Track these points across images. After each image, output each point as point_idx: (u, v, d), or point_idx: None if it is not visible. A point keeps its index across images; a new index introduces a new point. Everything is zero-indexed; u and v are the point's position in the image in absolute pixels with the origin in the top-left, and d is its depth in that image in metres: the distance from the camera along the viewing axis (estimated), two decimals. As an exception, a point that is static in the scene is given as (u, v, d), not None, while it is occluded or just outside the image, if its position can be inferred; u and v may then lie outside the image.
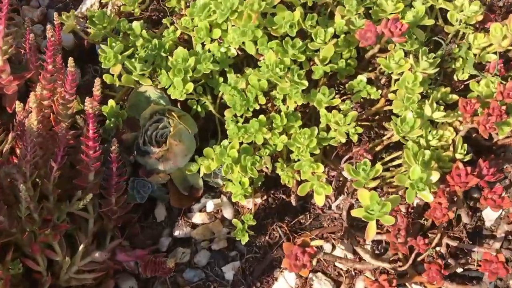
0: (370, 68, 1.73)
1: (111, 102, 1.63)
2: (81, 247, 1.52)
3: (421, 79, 1.46)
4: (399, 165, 1.65)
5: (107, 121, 1.62)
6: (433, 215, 1.45)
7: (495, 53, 1.67)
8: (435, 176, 1.40)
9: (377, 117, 1.80)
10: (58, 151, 1.37)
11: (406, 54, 1.56)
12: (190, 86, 1.53)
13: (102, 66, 1.50)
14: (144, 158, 1.58)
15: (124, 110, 1.65)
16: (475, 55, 1.69)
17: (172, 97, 1.54)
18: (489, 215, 1.73)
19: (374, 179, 1.41)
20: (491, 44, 1.66)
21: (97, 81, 1.42)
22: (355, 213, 1.37)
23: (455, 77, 1.70)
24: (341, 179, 1.78)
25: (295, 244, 1.46)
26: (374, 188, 1.55)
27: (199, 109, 1.67)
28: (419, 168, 1.39)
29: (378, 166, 1.40)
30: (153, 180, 1.60)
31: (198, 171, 1.61)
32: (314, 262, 1.72)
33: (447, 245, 1.69)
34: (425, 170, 1.42)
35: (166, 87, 1.56)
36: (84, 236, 1.56)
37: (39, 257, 1.48)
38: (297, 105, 1.68)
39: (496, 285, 1.65)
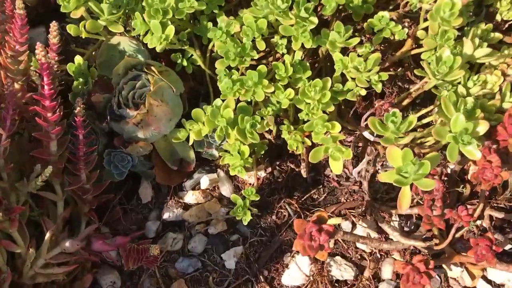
0: (391, 7, 1.43)
1: (78, 59, 1.34)
2: (47, 236, 1.25)
3: (460, 6, 1.16)
4: (429, 125, 1.36)
5: (74, 82, 1.34)
6: (481, 177, 1.15)
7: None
8: (482, 127, 1.11)
9: (400, 68, 1.50)
10: (6, 114, 1.08)
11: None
12: (171, 31, 1.23)
13: (61, 10, 1.21)
14: (119, 124, 1.29)
15: (94, 68, 1.36)
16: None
17: (150, 46, 1.25)
18: (540, 180, 1.43)
19: (406, 133, 1.12)
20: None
21: (54, 25, 1.13)
22: (383, 177, 1.08)
23: (498, 16, 1.40)
24: (360, 144, 1.49)
25: (309, 221, 1.18)
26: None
27: (184, 63, 1.37)
28: (462, 116, 1.09)
29: (412, 117, 1.11)
30: (132, 151, 1.31)
31: (188, 139, 1.32)
32: (332, 244, 1.44)
33: (491, 217, 1.41)
34: (469, 120, 1.12)
35: (141, 34, 1.26)
36: (51, 222, 1.28)
37: (-5, 250, 1.21)
38: (304, 54, 1.39)
39: (553, 263, 1.36)
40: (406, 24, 1.46)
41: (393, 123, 1.10)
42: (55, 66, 1.15)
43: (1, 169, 1.16)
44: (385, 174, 1.08)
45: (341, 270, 1.40)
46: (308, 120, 1.30)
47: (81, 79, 1.33)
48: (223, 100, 1.27)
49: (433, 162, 1.07)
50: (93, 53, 1.42)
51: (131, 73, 1.30)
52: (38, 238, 1.30)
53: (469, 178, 1.48)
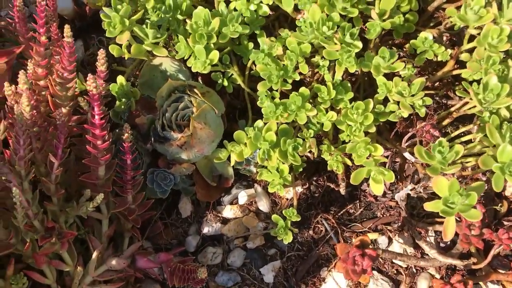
0: (431, 24, 1.42)
1: (120, 79, 1.35)
2: (94, 254, 1.28)
3: (508, 32, 1.14)
4: (469, 141, 1.36)
5: (117, 102, 1.35)
6: (525, 206, 1.16)
7: None
8: (529, 157, 1.11)
9: (438, 83, 1.49)
10: (58, 144, 1.10)
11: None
12: (215, 55, 1.24)
13: (107, 35, 1.21)
14: (163, 145, 1.31)
15: (137, 87, 1.37)
16: None
17: (193, 70, 1.26)
18: None
19: (453, 163, 1.12)
20: None
21: (102, 53, 1.14)
22: (429, 207, 1.09)
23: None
24: (397, 159, 1.50)
25: (352, 245, 1.20)
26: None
27: (225, 83, 1.38)
28: (510, 146, 1.09)
29: (459, 147, 1.11)
30: (176, 171, 1.33)
31: (228, 158, 1.34)
32: (368, 258, 1.47)
33: (527, 235, 1.41)
34: (515, 149, 1.12)
35: (185, 58, 1.27)
36: (98, 240, 1.31)
37: (46, 269, 1.25)
38: (344, 71, 1.39)
39: None
40: (445, 38, 1.44)
41: (440, 153, 1.10)
42: (103, 92, 1.17)
43: (53, 193, 1.18)
44: (431, 204, 1.09)
45: (378, 285, 1.42)
46: (349, 141, 1.31)
47: (123, 99, 1.34)
48: (265, 123, 1.28)
49: (479, 192, 1.08)
50: (133, 71, 1.43)
51: (174, 95, 1.31)
52: (84, 255, 1.33)
53: (505, 194, 1.49)
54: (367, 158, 1.27)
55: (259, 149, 1.27)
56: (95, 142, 1.14)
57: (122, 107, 1.35)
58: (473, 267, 1.36)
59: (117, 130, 1.36)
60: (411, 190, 1.31)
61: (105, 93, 1.25)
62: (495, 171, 1.11)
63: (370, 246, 1.21)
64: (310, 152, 1.36)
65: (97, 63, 1.16)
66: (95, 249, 1.28)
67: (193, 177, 1.42)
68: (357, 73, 1.44)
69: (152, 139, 1.32)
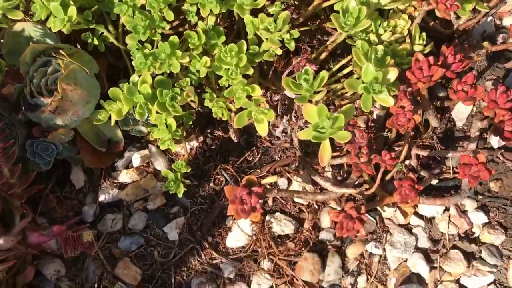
0: (300, -41, 1.42)
1: (-19, 51, 1.27)
2: (-21, 236, 1.22)
3: (358, -44, 1.16)
4: (351, 73, 1.39)
5: (-18, 76, 1.28)
6: (396, 123, 1.20)
7: None
8: (392, 74, 1.14)
9: (314, 24, 1.51)
10: None
11: None
12: (73, 11, 1.18)
13: (-51, 2, 1.13)
14: (36, 113, 1.26)
15: (2, 57, 1.30)
16: None
17: (54, 30, 1.20)
18: (459, 114, 1.50)
19: (320, 91, 1.14)
20: None
21: None
22: (302, 135, 1.11)
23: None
24: (286, 101, 1.51)
25: (240, 186, 1.20)
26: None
27: (95, 42, 1.33)
28: (372, 66, 1.12)
29: (324, 73, 1.13)
30: (54, 139, 1.28)
31: (110, 119, 1.30)
32: (270, 201, 1.48)
33: (417, 156, 1.47)
34: (380, 68, 1.15)
35: (43, 19, 1.21)
36: (-18, 222, 1.25)
37: None
38: (219, 19, 1.37)
39: (476, 191, 1.45)
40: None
41: (306, 81, 1.11)
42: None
43: None
44: (303, 132, 1.11)
45: (282, 226, 1.45)
46: (230, 86, 1.30)
47: (-12, 72, 1.27)
48: (139, 76, 1.25)
49: (347, 114, 1.10)
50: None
51: (39, 59, 1.25)
52: (-29, 239, 1.27)
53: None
54: (248, 99, 1.27)
55: (137, 104, 1.24)
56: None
57: (-11, 80, 1.28)
58: (366, 192, 1.40)
59: (-13, 106, 1.29)
60: (287, 121, 1.32)
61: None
62: (361, 92, 1.14)
63: (259, 185, 1.22)
64: (192, 101, 1.34)
65: None
66: (-21, 230, 1.22)
67: (77, 144, 1.38)
68: (234, 20, 1.43)
69: (23, 108, 1.25)
